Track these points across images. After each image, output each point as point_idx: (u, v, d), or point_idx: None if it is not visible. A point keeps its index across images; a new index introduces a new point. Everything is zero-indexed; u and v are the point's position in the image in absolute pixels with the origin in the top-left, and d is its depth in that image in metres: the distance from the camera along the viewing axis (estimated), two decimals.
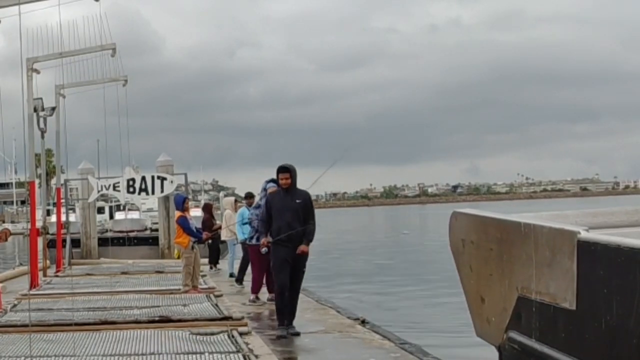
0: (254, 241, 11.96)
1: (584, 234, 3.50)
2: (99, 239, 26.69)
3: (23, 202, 78.51)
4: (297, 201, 8.90)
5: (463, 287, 4.77)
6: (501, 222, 4.25)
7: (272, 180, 11.79)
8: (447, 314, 15.13)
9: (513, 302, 4.06)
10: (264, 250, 9.33)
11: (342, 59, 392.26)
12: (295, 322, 10.03)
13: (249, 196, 15.87)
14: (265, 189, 11.75)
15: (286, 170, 9.01)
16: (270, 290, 11.83)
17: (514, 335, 4.08)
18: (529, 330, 3.88)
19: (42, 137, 17.35)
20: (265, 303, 11.61)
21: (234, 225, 15.23)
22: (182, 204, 12.95)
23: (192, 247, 12.74)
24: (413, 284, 22.31)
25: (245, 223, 14.89)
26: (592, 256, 3.39)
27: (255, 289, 12.03)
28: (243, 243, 14.93)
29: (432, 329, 13.36)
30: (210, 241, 16.43)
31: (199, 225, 14.69)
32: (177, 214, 12.97)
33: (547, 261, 3.69)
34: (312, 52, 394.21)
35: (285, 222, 8.81)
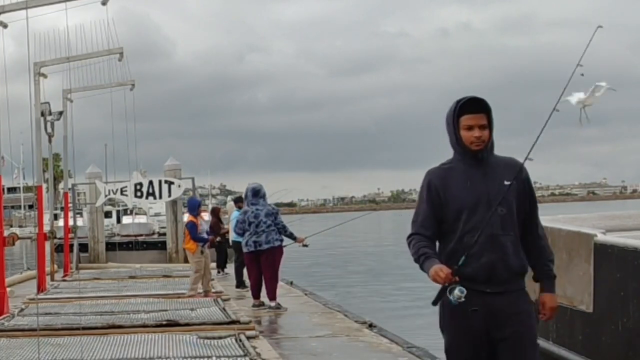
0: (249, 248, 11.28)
1: (601, 237, 3.44)
2: (107, 243, 26.67)
3: (31, 207, 78.70)
4: (506, 182, 3.88)
5: None
6: None
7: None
8: None
9: None
10: (455, 300, 3.75)
11: (352, 64, 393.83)
12: (302, 326, 9.89)
13: (240, 200, 15.96)
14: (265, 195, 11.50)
15: (479, 108, 3.93)
16: (271, 298, 11.30)
17: None
18: (546, 332, 3.82)
19: (50, 141, 17.34)
20: (268, 307, 11.36)
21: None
22: (196, 208, 12.84)
23: (202, 252, 12.65)
24: (421, 287, 22.20)
25: None
26: (609, 259, 3.34)
27: (256, 294, 11.54)
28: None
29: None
30: (217, 244, 16.39)
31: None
32: (189, 217, 12.87)
33: (564, 264, 3.63)
34: (322, 57, 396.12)
35: (487, 233, 3.78)
